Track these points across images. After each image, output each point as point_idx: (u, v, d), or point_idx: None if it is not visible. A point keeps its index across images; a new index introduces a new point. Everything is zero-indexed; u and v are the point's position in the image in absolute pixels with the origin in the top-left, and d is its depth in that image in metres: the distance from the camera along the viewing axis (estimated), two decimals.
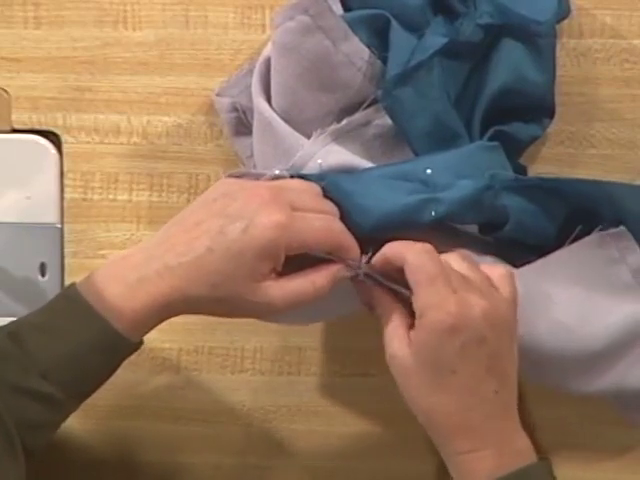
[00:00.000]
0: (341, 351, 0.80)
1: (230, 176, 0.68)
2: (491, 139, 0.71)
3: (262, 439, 0.80)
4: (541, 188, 0.69)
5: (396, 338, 0.65)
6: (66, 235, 0.79)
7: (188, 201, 0.78)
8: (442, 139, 0.70)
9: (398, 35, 0.70)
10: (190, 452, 0.80)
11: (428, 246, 0.65)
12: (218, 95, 0.76)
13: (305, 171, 0.69)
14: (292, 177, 0.68)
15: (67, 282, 0.79)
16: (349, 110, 0.71)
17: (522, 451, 0.66)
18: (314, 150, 0.70)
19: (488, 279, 0.66)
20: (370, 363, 0.79)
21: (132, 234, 0.79)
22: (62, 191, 0.79)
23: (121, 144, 0.79)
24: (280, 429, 0.80)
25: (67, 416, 0.66)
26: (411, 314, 0.65)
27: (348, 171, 0.70)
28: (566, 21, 0.75)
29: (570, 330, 0.70)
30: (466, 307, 0.63)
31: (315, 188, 0.67)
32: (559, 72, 0.75)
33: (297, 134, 0.71)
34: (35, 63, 0.78)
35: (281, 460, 0.80)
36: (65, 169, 0.79)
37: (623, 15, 0.76)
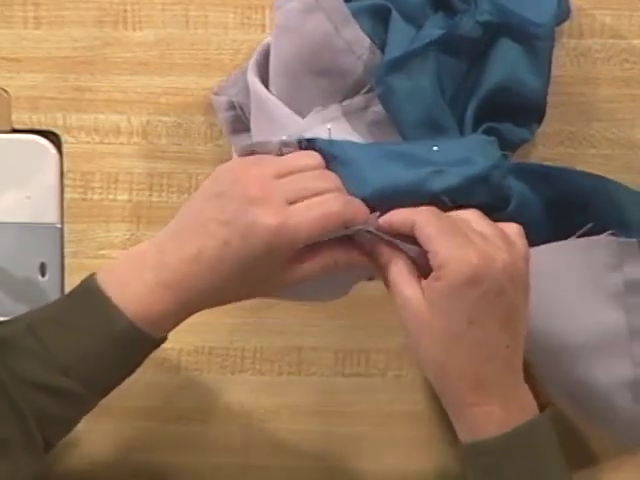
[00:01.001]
0: (341, 351, 0.80)
1: (243, 150, 0.68)
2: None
3: (262, 439, 0.80)
4: (542, 175, 0.69)
5: (409, 286, 0.65)
6: (66, 235, 0.79)
7: None
8: (431, 130, 0.70)
9: (397, 25, 0.70)
10: (190, 452, 0.80)
11: (432, 207, 0.65)
12: (216, 94, 0.76)
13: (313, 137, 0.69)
14: (300, 143, 0.67)
15: (67, 282, 0.79)
16: (349, 96, 0.71)
17: (526, 406, 0.66)
18: (312, 125, 0.70)
19: (505, 235, 0.66)
20: (370, 363, 0.79)
21: (132, 234, 0.79)
22: (62, 191, 0.79)
23: (121, 144, 0.79)
24: (280, 429, 0.80)
25: (88, 411, 0.66)
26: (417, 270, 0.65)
27: None
28: (567, 21, 0.75)
29: (553, 316, 0.71)
30: (487, 258, 0.63)
31: (313, 161, 0.67)
32: (559, 72, 0.75)
33: (293, 114, 0.71)
34: (35, 63, 0.78)
35: (281, 460, 0.80)
36: (65, 169, 0.79)
37: (623, 15, 0.76)
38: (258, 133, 0.73)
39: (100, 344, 0.63)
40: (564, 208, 0.71)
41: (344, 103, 0.71)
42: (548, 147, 0.77)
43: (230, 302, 0.67)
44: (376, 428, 0.80)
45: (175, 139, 0.78)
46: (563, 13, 0.73)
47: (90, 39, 0.78)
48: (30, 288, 0.79)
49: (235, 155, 0.75)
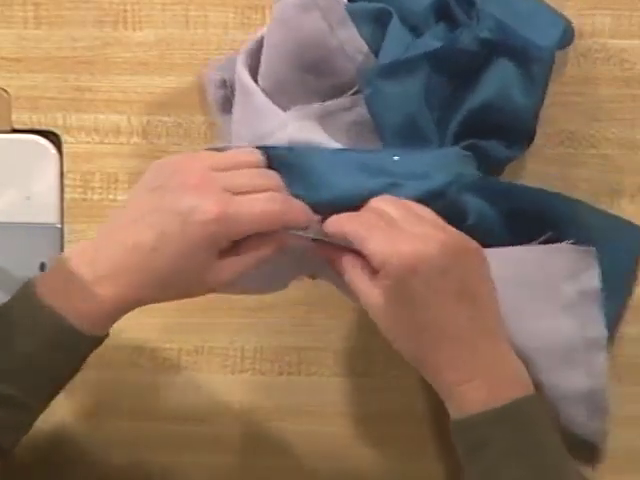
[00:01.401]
0: (341, 351, 0.79)
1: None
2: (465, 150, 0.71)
3: (262, 439, 0.80)
4: (503, 193, 0.70)
5: (365, 289, 0.65)
6: (66, 235, 0.79)
7: None
8: (412, 139, 0.70)
9: (395, 31, 0.70)
10: (190, 452, 0.80)
11: (357, 212, 0.66)
12: (209, 71, 0.76)
13: (273, 141, 0.70)
14: (258, 149, 0.67)
15: None
16: (335, 96, 0.72)
17: (515, 380, 0.66)
18: (287, 122, 0.71)
19: (437, 217, 0.66)
20: (370, 363, 0.79)
21: None
22: (62, 191, 0.79)
23: (121, 144, 0.79)
24: (280, 429, 0.80)
25: (37, 415, 0.65)
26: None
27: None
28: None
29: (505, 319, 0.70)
30: (420, 243, 0.63)
31: (254, 159, 0.67)
32: (559, 72, 0.75)
33: (274, 107, 0.71)
34: (35, 63, 0.78)
35: (281, 460, 0.80)
36: (65, 169, 0.79)
37: (623, 15, 0.76)
38: (239, 122, 0.74)
39: (36, 346, 0.63)
40: (523, 223, 0.71)
41: (326, 103, 0.71)
42: (548, 147, 0.76)
43: (167, 299, 0.66)
44: (376, 428, 0.80)
45: (175, 139, 0.78)
46: (567, 39, 0.73)
47: (90, 39, 0.78)
48: None
49: (225, 133, 0.75)
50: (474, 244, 0.66)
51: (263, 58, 0.72)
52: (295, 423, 0.80)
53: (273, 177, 0.66)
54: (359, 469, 0.80)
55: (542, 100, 0.73)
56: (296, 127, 0.70)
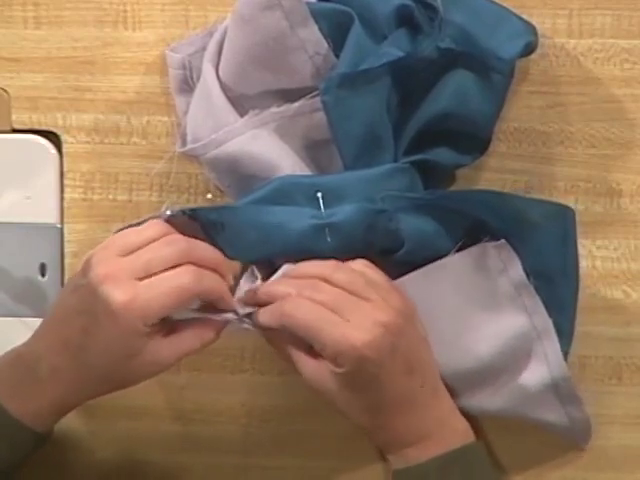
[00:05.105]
0: None
1: (121, 229, 0.69)
2: (413, 163, 0.71)
3: (262, 439, 0.80)
4: (434, 204, 0.70)
5: (315, 374, 0.67)
6: (66, 235, 0.79)
7: (188, 201, 0.78)
8: (369, 148, 0.70)
9: (357, 35, 0.70)
10: (190, 452, 0.80)
11: (297, 299, 0.66)
12: (172, 51, 0.76)
13: (231, 145, 0.71)
14: (184, 213, 0.69)
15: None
16: (291, 98, 0.72)
17: (459, 431, 0.70)
18: (242, 130, 0.71)
19: (386, 288, 0.67)
20: None
21: None
22: (62, 191, 0.79)
23: (121, 144, 0.79)
24: (280, 429, 0.80)
25: None
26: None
27: (264, 165, 0.71)
28: (566, 21, 0.75)
29: (451, 342, 0.71)
30: (367, 333, 0.64)
31: (155, 231, 0.67)
32: (559, 72, 0.75)
33: (232, 109, 0.72)
34: (35, 63, 0.78)
35: (281, 460, 0.80)
36: (65, 169, 0.79)
37: (623, 15, 0.76)
38: (192, 117, 0.74)
39: None
40: (465, 230, 0.71)
41: (283, 107, 0.71)
42: (548, 147, 0.77)
43: (109, 392, 0.69)
44: None
45: (175, 139, 0.78)
46: (529, 51, 0.72)
47: (90, 39, 0.78)
48: (30, 288, 0.79)
49: (180, 112, 0.76)
50: (408, 307, 0.67)
51: (223, 54, 0.72)
52: (295, 423, 0.80)
53: (177, 241, 0.66)
54: (359, 468, 0.80)
55: (500, 110, 0.73)
56: (249, 136, 0.71)
